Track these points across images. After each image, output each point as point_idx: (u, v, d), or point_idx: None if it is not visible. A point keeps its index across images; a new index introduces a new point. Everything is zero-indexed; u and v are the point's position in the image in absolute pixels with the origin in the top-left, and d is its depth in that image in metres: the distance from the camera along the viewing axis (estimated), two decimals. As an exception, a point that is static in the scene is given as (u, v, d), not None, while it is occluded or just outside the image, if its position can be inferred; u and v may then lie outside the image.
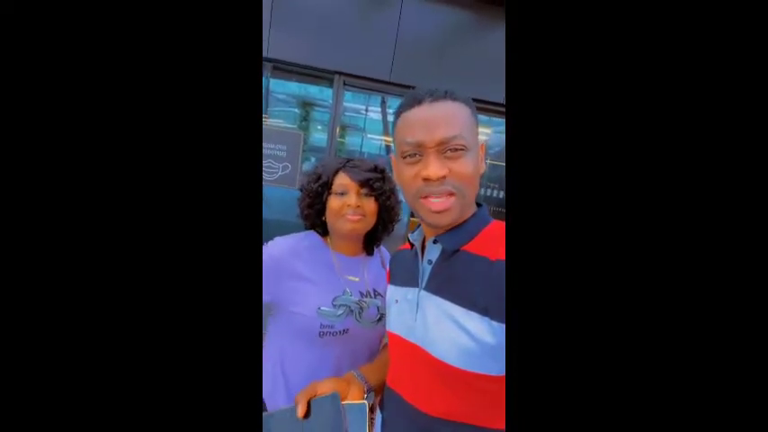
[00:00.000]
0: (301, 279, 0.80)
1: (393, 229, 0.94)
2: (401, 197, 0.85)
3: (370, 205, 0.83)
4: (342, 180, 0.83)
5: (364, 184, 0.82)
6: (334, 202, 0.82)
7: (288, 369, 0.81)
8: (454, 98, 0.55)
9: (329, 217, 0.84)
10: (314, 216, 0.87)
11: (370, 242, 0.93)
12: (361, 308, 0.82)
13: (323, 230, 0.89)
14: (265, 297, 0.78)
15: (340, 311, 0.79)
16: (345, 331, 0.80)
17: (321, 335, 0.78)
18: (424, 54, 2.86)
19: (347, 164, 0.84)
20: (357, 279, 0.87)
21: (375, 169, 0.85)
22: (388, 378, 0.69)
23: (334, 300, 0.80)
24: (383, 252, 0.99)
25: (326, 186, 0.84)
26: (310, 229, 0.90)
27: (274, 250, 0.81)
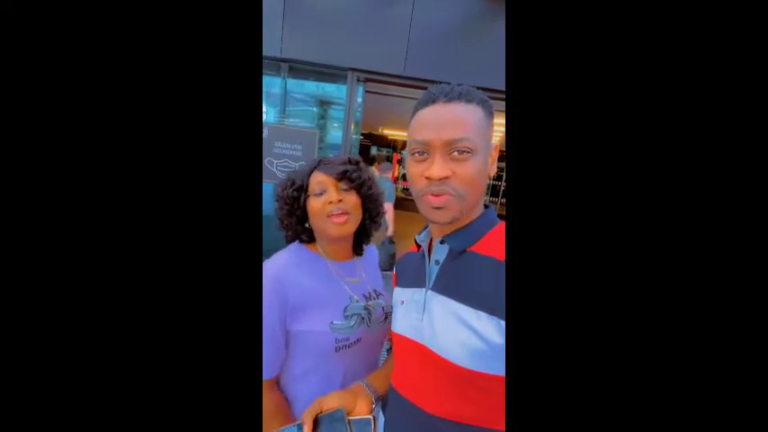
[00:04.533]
0: (305, 294, 0.76)
1: (380, 220, 0.90)
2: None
3: (352, 199, 0.79)
4: (317, 178, 0.78)
5: (341, 176, 0.78)
6: (314, 204, 0.78)
7: (302, 390, 0.77)
8: (468, 99, 0.55)
9: (313, 221, 0.80)
10: (295, 224, 0.82)
11: (359, 240, 0.89)
12: (370, 312, 0.80)
13: (309, 237, 0.84)
14: (282, 325, 0.74)
15: (352, 322, 0.76)
16: (359, 340, 0.78)
17: (337, 350, 0.75)
18: (439, 47, 2.82)
19: (320, 163, 0.81)
20: (357, 280, 0.85)
21: (349, 161, 0.82)
22: (393, 379, 0.68)
23: (344, 310, 0.77)
24: (374, 251, 0.96)
25: (303, 189, 0.80)
26: (293, 238, 0.85)
27: (272, 271, 0.76)
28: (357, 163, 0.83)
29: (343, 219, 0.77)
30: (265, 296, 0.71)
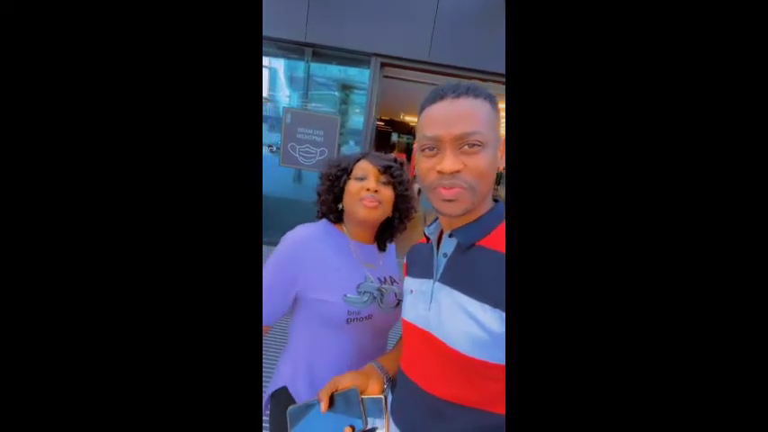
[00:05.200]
0: (324, 265, 0.81)
1: (408, 224, 0.94)
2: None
3: (388, 193, 0.85)
4: (362, 165, 0.85)
5: (385, 170, 0.84)
6: (352, 186, 0.84)
7: (313, 357, 0.83)
8: (476, 95, 0.57)
9: (347, 201, 0.85)
10: (330, 201, 0.88)
11: (383, 235, 0.94)
12: (382, 294, 0.84)
13: (337, 218, 0.90)
14: (291, 286, 0.79)
15: (365, 298, 0.81)
16: (369, 317, 0.82)
17: (348, 321, 0.79)
18: (464, 32, 2.72)
19: (368, 153, 0.88)
20: (374, 266, 0.89)
21: (395, 160, 0.88)
22: (402, 363, 0.71)
23: (358, 286, 0.81)
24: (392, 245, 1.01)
25: (346, 171, 0.86)
26: (324, 215, 0.91)
27: (296, 237, 0.82)
28: (402, 164, 0.89)
29: (374, 204, 0.82)
30: (279, 258, 0.78)
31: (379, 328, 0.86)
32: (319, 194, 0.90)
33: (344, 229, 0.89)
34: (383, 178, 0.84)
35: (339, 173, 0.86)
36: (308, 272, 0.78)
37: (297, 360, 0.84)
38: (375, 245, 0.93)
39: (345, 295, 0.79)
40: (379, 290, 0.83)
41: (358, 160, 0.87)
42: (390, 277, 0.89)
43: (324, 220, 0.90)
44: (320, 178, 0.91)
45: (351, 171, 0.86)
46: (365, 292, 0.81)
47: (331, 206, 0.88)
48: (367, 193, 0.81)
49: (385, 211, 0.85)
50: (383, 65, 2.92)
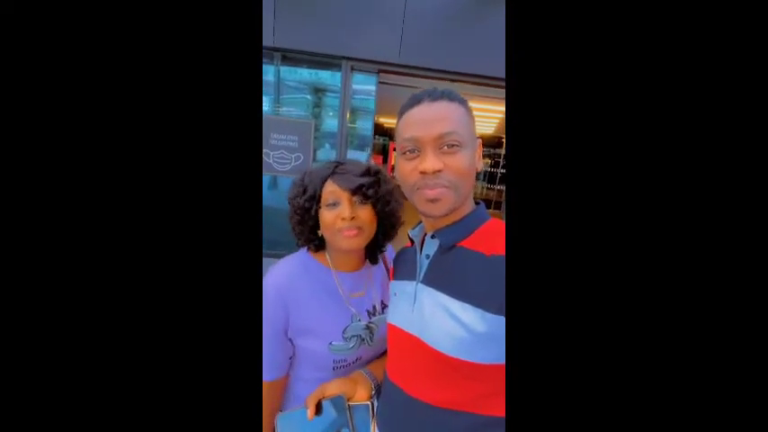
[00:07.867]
0: (307, 309, 0.74)
1: (395, 234, 0.85)
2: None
3: (367, 214, 0.74)
4: (331, 188, 0.73)
5: (356, 191, 0.72)
6: (326, 216, 0.73)
7: (301, 386, 0.78)
8: (451, 98, 0.59)
9: (324, 232, 0.75)
10: (307, 232, 0.78)
11: (373, 250, 0.85)
12: (371, 331, 0.78)
13: (320, 244, 0.80)
14: (284, 331, 0.74)
15: (351, 344, 0.75)
16: (358, 359, 0.78)
17: (335, 369, 0.75)
18: (433, 34, 2.77)
19: (336, 170, 0.75)
20: (362, 293, 0.82)
21: (368, 172, 0.75)
22: (387, 369, 0.71)
23: (344, 331, 0.75)
24: (387, 256, 0.91)
25: (315, 199, 0.74)
26: (304, 245, 0.82)
27: (276, 281, 0.74)
28: (377, 173, 0.77)
29: (353, 233, 0.72)
30: (266, 306, 0.71)
31: (370, 360, 0.82)
32: (293, 227, 0.80)
33: (327, 258, 0.80)
34: (358, 198, 0.73)
35: (307, 203, 0.74)
36: (293, 317, 0.73)
37: (288, 390, 0.81)
38: (363, 269, 0.84)
39: (330, 344, 0.74)
40: (367, 327, 0.78)
41: (325, 180, 0.74)
42: (381, 303, 0.83)
43: (303, 251, 0.82)
44: (289, 204, 0.79)
45: (320, 197, 0.74)
46: (352, 336, 0.76)
47: (309, 236, 0.79)
48: (343, 224, 0.71)
49: (368, 234, 0.75)
50: (354, 68, 2.93)
